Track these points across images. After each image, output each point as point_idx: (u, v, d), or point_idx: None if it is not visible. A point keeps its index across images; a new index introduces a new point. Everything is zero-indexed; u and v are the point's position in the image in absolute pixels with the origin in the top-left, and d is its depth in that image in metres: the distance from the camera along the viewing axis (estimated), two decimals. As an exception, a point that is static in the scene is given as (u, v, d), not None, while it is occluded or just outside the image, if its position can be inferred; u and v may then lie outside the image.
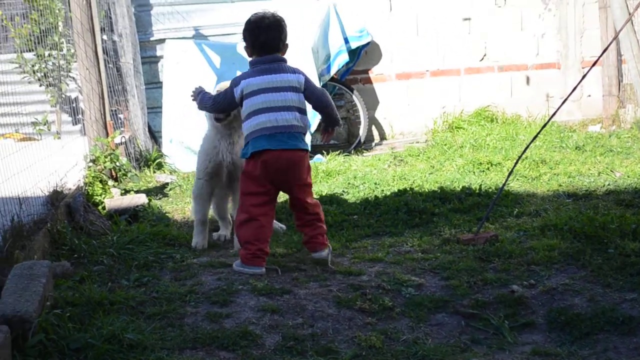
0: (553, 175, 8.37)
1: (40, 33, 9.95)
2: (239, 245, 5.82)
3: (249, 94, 5.76)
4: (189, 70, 10.30)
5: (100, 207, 7.37)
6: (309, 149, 6.05)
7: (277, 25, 5.89)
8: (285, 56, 5.97)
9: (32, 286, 4.33)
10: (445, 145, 10.33)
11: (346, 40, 11.07)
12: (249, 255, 5.57)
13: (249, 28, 5.91)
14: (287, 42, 5.93)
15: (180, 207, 8.04)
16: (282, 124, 5.67)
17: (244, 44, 6.08)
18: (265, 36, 5.84)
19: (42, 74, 10.36)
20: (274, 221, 6.29)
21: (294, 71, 5.84)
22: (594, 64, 6.98)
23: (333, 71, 10.96)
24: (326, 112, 6.00)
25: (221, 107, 6.10)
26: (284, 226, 7.04)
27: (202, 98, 6.16)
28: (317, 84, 10.02)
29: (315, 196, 7.58)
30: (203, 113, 9.69)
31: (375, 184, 8.45)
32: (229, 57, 10.35)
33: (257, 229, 5.65)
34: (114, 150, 8.21)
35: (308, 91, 5.84)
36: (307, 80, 5.86)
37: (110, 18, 10.35)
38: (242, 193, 5.82)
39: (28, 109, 9.74)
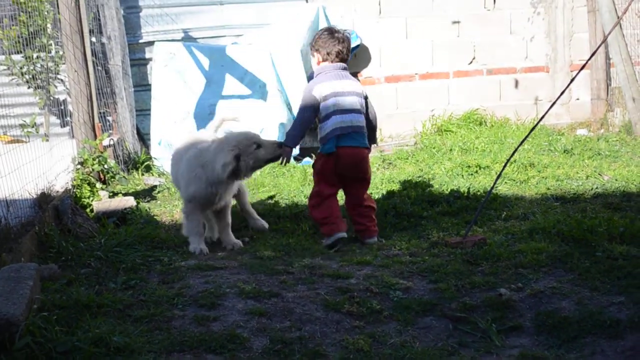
0: (541, 179, 8.38)
1: (29, 35, 9.93)
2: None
3: (326, 97, 6.57)
4: (178, 73, 10.29)
5: (88, 210, 7.35)
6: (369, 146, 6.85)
7: (347, 39, 6.78)
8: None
9: (19, 289, 4.31)
10: (434, 148, 10.33)
11: (335, 44, 11.06)
12: (329, 228, 6.55)
13: (325, 38, 6.72)
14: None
15: (169, 209, 8.02)
16: (355, 124, 6.58)
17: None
18: (341, 46, 6.68)
19: (31, 76, 10.33)
20: (258, 218, 7.14)
21: (357, 80, 6.77)
22: (582, 67, 6.99)
23: (322, 74, 10.94)
24: (373, 126, 6.90)
25: (310, 116, 6.69)
26: (266, 224, 7.06)
27: (288, 133, 6.82)
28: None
29: (303, 199, 7.64)
30: (191, 115, 9.74)
31: (364, 187, 8.45)
32: (217, 60, 10.34)
33: (328, 208, 6.65)
34: (102, 152, 8.19)
35: (367, 100, 6.77)
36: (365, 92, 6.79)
37: (99, 20, 10.34)
38: (315, 185, 6.81)
39: (16, 111, 9.70)
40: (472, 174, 8.78)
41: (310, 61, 10.35)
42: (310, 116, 6.66)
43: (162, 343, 4.29)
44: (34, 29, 9.95)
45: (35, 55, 10.26)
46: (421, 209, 7.34)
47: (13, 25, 10.12)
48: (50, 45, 10.30)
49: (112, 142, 9.45)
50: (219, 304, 4.88)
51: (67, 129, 10.25)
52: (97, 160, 8.02)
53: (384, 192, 8.12)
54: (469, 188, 7.89)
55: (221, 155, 6.27)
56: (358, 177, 6.73)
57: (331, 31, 6.76)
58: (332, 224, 6.57)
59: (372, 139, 6.91)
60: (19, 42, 9.96)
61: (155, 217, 7.70)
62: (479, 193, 7.74)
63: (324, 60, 6.71)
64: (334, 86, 6.58)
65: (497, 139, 10.54)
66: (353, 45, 11.28)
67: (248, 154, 6.32)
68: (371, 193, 8.11)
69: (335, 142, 6.55)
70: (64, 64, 9.37)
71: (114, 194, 8.04)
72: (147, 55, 11.15)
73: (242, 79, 10.19)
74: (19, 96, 10.24)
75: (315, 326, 4.64)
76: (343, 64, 6.72)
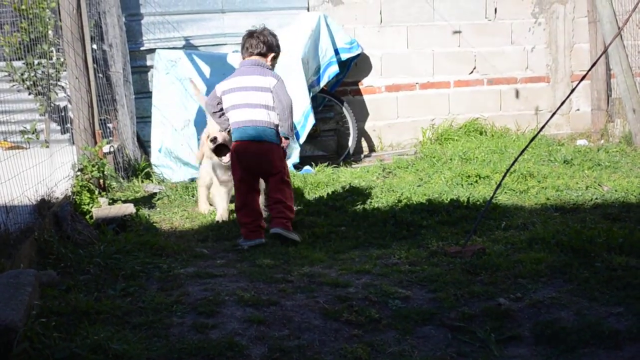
0: (541, 189, 8.39)
1: (30, 41, 9.93)
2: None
3: (225, 92, 6.94)
4: (179, 80, 10.30)
5: (87, 217, 7.34)
6: (277, 141, 6.98)
7: (260, 34, 7.01)
8: (278, 67, 6.70)
9: (18, 295, 4.31)
10: (434, 157, 10.34)
11: (336, 52, 11.09)
12: (248, 232, 6.85)
13: (243, 39, 7.08)
14: (273, 51, 7.04)
15: (168, 217, 8.03)
16: (251, 118, 6.83)
17: (237, 54, 6.81)
18: (251, 41, 6.98)
19: (32, 83, 10.33)
20: None
21: (267, 74, 6.85)
22: (582, 78, 7.00)
23: (323, 82, 10.97)
24: (283, 117, 6.92)
25: (210, 109, 7.17)
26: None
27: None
28: (307, 95, 10.03)
29: (302, 207, 7.63)
30: (192, 123, 9.75)
31: (364, 195, 8.45)
32: (219, 67, 10.35)
33: (250, 211, 6.94)
34: (101, 159, 8.19)
35: (274, 93, 6.86)
36: (277, 85, 6.88)
37: (101, 27, 10.35)
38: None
39: (17, 118, 9.71)
40: (471, 184, 8.79)
41: (309, 70, 10.43)
42: (211, 109, 7.12)
43: (160, 350, 4.28)
44: (35, 36, 9.96)
45: (36, 62, 10.26)
46: (421, 218, 7.34)
47: (14, 31, 10.13)
48: (52, 52, 10.31)
49: (112, 149, 9.46)
50: (217, 311, 4.88)
51: (67, 135, 10.24)
52: (96, 167, 8.02)
53: (384, 201, 8.13)
54: (468, 198, 7.89)
55: None
56: (264, 171, 7.03)
57: (248, 30, 7.11)
58: (252, 230, 6.92)
59: (283, 129, 6.97)
60: (20, 48, 9.97)
61: (154, 224, 7.70)
62: (478, 203, 7.74)
63: (243, 58, 7.08)
64: (238, 81, 6.92)
65: (497, 148, 10.55)
66: (353, 54, 11.33)
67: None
68: (370, 202, 8.14)
69: (234, 136, 6.95)
70: (65, 70, 9.38)
71: (113, 201, 8.04)
72: (149, 63, 11.16)
73: (244, 87, 10.20)
74: (20, 102, 10.24)
75: (314, 335, 4.64)
76: (256, 59, 6.96)
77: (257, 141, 6.86)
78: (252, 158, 6.92)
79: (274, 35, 7.08)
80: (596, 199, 7.89)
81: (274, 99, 6.85)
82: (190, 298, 5.10)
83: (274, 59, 7.06)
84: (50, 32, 10.12)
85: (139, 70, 11.20)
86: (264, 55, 6.97)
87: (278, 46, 7.09)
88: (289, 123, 6.93)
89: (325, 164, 10.61)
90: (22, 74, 10.31)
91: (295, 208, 7.34)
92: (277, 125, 6.90)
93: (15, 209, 6.01)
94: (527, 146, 6.90)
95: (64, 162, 7.91)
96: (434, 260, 6.05)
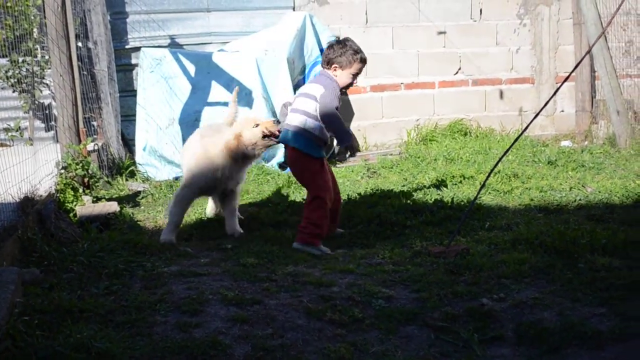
0: (525, 190, 8.41)
1: (15, 39, 9.89)
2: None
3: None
4: (164, 79, 10.28)
5: (71, 215, 7.32)
6: (308, 151, 6.71)
7: (328, 47, 6.93)
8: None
9: (1, 293, 4.29)
10: (419, 157, 10.36)
11: (322, 52, 11.07)
12: None
13: None
14: (333, 63, 6.78)
15: (152, 215, 8.01)
16: (291, 122, 6.74)
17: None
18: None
19: (16, 80, 10.29)
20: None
21: (320, 82, 6.77)
22: (566, 79, 7.01)
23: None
24: (329, 128, 6.75)
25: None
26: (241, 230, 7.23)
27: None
28: (293, 94, 10.03)
29: (287, 206, 7.63)
30: (176, 122, 9.72)
31: (348, 195, 8.45)
32: (204, 67, 10.34)
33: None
34: (86, 157, 8.16)
35: (318, 102, 6.64)
36: (323, 94, 6.63)
37: (86, 25, 10.31)
38: None
39: (0, 115, 9.66)
40: (456, 184, 8.80)
41: (294, 70, 10.43)
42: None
43: (143, 349, 4.27)
44: (20, 33, 9.91)
45: (20, 59, 10.23)
46: (405, 218, 7.35)
47: (-1, 28, 10.09)
48: (36, 49, 10.27)
49: (96, 147, 9.43)
50: (201, 310, 4.87)
51: (51, 133, 10.21)
52: (80, 165, 7.99)
53: (368, 201, 8.12)
54: (452, 198, 7.91)
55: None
56: (296, 176, 7.12)
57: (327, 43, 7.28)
58: None
59: (338, 141, 6.90)
60: (4, 45, 9.92)
61: (138, 222, 7.68)
62: (462, 203, 7.76)
63: None
64: (303, 88, 7.02)
65: (482, 149, 10.58)
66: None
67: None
68: (355, 202, 8.14)
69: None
70: (49, 68, 9.34)
71: (97, 199, 8.02)
72: (133, 61, 11.14)
73: (228, 86, 10.19)
74: (4, 100, 10.20)
75: (297, 334, 4.63)
76: (323, 69, 6.88)
77: (291, 146, 6.77)
78: (288, 162, 7.08)
79: (343, 46, 6.79)
80: (580, 200, 7.92)
81: (317, 108, 6.63)
82: (173, 297, 5.09)
83: (338, 69, 6.76)
84: (35, 29, 10.07)
85: (124, 68, 11.18)
86: (327, 66, 6.81)
87: (342, 55, 6.75)
88: (333, 129, 6.69)
89: (310, 163, 10.61)
90: (6, 72, 10.27)
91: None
92: (315, 136, 6.68)
93: (-1, 206, 5.99)
94: (510, 146, 6.90)
95: (47, 160, 7.88)
96: (418, 260, 6.05)
